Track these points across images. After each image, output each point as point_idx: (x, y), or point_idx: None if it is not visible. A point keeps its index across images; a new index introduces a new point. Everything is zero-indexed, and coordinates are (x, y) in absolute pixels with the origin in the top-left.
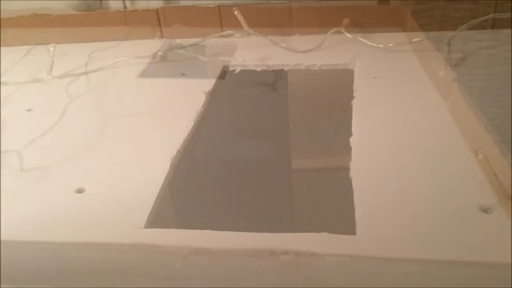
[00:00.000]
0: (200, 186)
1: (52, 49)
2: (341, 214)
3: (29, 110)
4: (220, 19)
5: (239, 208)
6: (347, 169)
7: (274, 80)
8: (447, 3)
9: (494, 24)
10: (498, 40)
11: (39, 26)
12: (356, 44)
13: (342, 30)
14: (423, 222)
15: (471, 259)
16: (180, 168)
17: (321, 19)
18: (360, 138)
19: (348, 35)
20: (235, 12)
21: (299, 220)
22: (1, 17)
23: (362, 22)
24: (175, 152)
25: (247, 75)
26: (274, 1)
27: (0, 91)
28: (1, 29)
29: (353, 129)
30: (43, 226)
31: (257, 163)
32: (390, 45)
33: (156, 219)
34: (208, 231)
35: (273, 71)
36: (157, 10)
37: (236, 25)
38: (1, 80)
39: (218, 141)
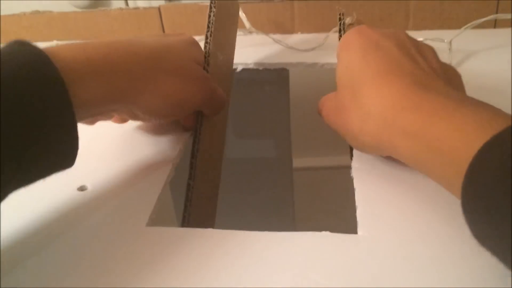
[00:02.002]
0: None
1: None
2: (343, 213)
3: None
4: None
5: (240, 206)
6: (348, 167)
7: (275, 79)
8: (449, 3)
9: (496, 24)
10: (500, 40)
11: (40, 23)
12: None
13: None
14: (424, 221)
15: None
16: (182, 167)
17: (323, 17)
18: None
19: None
20: None
21: (300, 219)
22: (2, 14)
23: (364, 21)
24: (177, 151)
25: (249, 73)
26: None
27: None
28: (2, 26)
29: None
30: (44, 224)
31: (258, 162)
32: None
33: (159, 218)
34: (210, 230)
35: (274, 69)
36: (159, 8)
37: (238, 23)
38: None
39: None
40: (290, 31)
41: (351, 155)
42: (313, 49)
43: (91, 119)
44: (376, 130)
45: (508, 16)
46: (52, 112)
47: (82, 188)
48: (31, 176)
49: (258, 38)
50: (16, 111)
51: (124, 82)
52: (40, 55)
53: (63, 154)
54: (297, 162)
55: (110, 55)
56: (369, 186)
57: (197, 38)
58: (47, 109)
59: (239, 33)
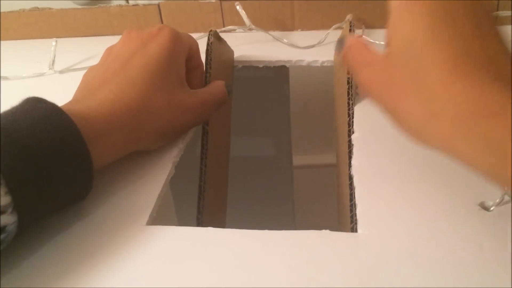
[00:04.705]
0: None
1: (54, 43)
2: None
3: None
4: (222, 14)
5: (240, 205)
6: (348, 166)
7: (275, 76)
8: None
9: (497, 21)
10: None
11: (40, 20)
12: None
13: (345, 26)
14: (425, 220)
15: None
16: (182, 165)
17: (323, 14)
18: (361, 135)
19: None
20: (237, 7)
21: (300, 217)
22: (2, 10)
23: (365, 18)
24: (177, 149)
25: (249, 71)
26: None
27: (0, 85)
28: (1, 22)
29: (355, 126)
30: (43, 224)
31: (258, 160)
32: None
33: (158, 217)
34: (210, 229)
35: (274, 67)
36: (158, 5)
37: (238, 20)
38: (1, 75)
39: None
40: (290, 28)
41: (350, 153)
42: (313, 46)
43: None
44: (446, 133)
45: (508, 13)
46: (75, 167)
47: None
48: (49, 211)
49: (258, 35)
50: (45, 166)
51: (126, 138)
52: (70, 123)
53: (79, 193)
54: (297, 160)
55: (110, 117)
56: (369, 184)
57: (196, 35)
58: (72, 164)
59: (239, 30)
